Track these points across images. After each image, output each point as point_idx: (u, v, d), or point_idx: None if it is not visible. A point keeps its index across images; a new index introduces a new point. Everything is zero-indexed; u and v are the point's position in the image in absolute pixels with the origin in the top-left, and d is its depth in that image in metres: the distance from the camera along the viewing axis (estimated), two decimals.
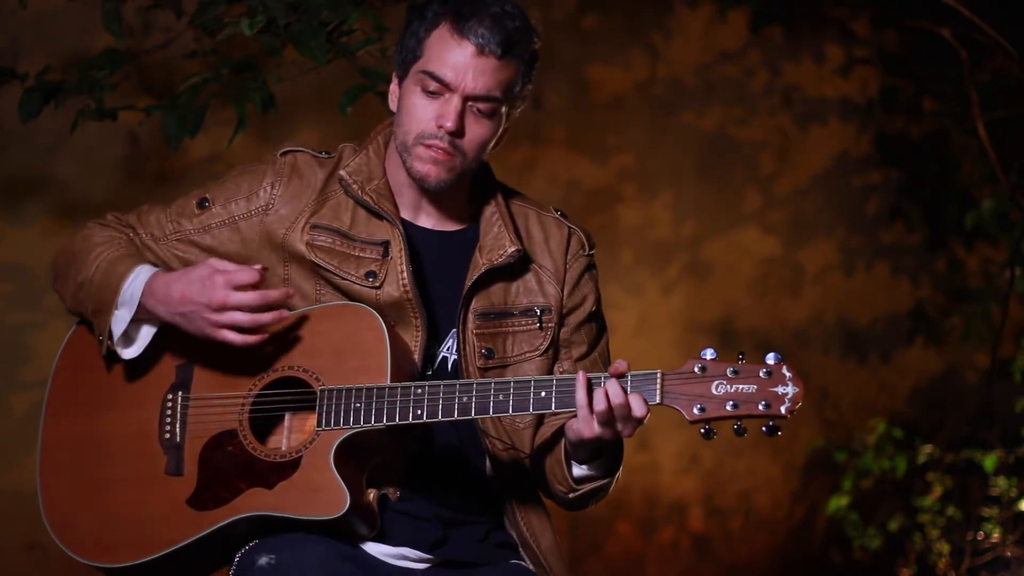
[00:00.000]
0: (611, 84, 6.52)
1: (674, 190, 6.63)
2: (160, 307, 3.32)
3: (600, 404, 3.15)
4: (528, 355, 3.42)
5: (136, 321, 3.35)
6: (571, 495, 3.35)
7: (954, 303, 6.85)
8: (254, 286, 3.27)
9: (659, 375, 3.15)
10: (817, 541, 6.77)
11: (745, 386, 3.12)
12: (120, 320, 3.34)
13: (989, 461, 6.42)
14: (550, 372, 3.43)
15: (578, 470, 3.33)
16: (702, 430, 3.14)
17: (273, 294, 3.28)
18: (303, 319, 3.33)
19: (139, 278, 3.33)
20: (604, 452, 3.30)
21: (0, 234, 5.63)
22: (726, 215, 6.68)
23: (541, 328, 3.43)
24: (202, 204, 3.43)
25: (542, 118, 6.29)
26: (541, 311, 3.43)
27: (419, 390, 3.22)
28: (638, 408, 3.15)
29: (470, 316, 3.38)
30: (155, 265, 3.38)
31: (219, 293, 3.26)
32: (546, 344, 3.44)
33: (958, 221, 6.73)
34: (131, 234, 3.44)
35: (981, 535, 6.43)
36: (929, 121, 6.87)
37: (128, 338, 3.37)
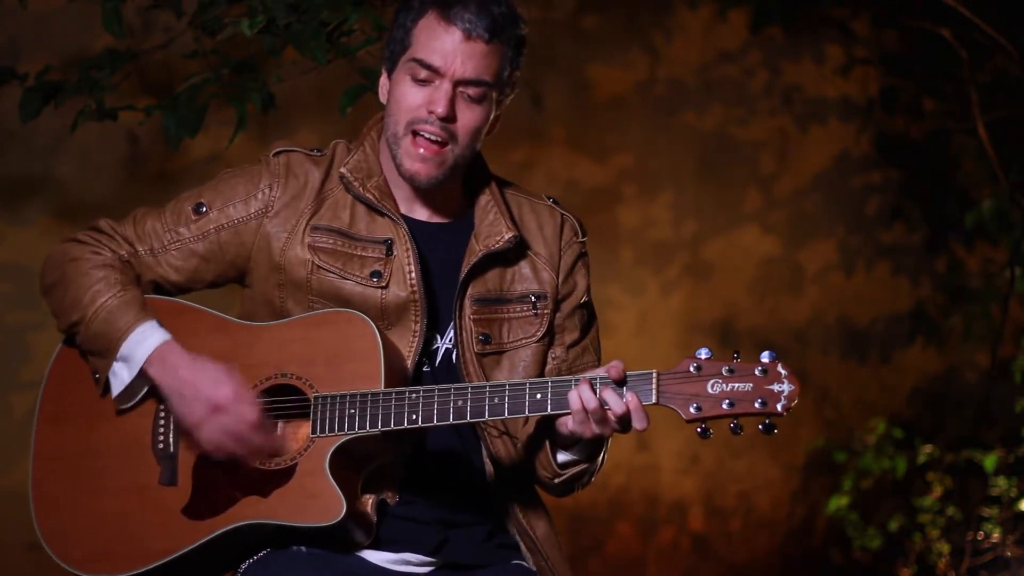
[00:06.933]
0: (611, 84, 6.51)
1: (674, 190, 6.62)
2: (161, 377, 3.31)
3: (591, 403, 3.16)
4: (524, 341, 3.43)
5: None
6: (556, 480, 3.37)
7: (954, 303, 6.84)
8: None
9: (655, 375, 3.16)
10: (817, 541, 6.76)
11: (740, 384, 3.13)
12: (119, 379, 3.34)
13: (989, 461, 6.41)
14: (546, 357, 3.45)
15: (562, 455, 3.34)
16: (699, 429, 3.14)
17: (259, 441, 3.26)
18: (295, 327, 3.32)
19: (147, 342, 3.31)
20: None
21: (0, 234, 5.64)
22: (726, 215, 6.67)
23: (536, 315, 3.44)
24: (198, 209, 3.42)
25: (542, 118, 6.28)
26: (536, 298, 3.45)
27: (414, 395, 3.22)
28: (638, 421, 3.16)
29: (467, 302, 3.39)
30: (158, 321, 3.35)
31: (224, 391, 3.25)
32: (542, 331, 3.45)
33: (958, 221, 6.73)
34: (126, 254, 3.42)
35: (981, 535, 6.42)
36: (929, 121, 6.87)
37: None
